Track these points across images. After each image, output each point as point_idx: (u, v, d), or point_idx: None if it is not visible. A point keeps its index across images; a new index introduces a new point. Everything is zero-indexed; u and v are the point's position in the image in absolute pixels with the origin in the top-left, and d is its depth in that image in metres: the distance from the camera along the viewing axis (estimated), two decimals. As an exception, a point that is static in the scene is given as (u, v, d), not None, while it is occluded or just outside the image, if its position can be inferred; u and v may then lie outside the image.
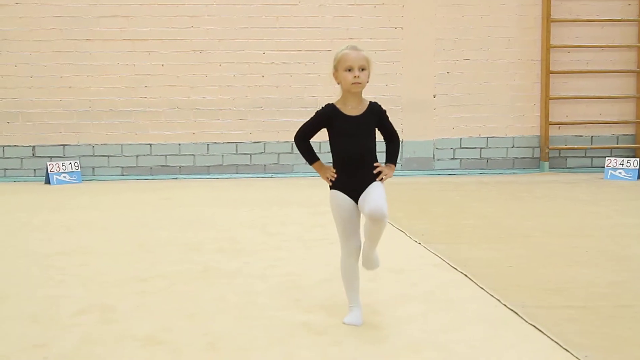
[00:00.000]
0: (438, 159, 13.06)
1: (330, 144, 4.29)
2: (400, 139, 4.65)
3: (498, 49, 12.93)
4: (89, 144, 12.53)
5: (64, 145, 12.48)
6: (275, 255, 6.26)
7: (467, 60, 12.91)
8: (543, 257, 6.13)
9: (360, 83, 4.18)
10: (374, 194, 4.09)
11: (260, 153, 12.76)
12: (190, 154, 12.68)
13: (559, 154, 13.19)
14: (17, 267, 5.94)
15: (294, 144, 4.41)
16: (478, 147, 13.07)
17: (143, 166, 12.62)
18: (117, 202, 9.76)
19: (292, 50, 12.63)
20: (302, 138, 4.36)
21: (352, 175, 4.22)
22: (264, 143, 12.76)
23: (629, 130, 13.30)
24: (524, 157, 13.16)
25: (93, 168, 12.55)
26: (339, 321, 4.35)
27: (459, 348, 3.90)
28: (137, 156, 12.60)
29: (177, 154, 12.65)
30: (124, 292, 5.11)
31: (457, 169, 13.06)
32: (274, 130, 12.71)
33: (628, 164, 11.96)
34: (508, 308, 4.60)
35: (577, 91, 13.11)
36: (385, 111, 4.34)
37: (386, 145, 4.39)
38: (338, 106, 4.26)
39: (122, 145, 12.56)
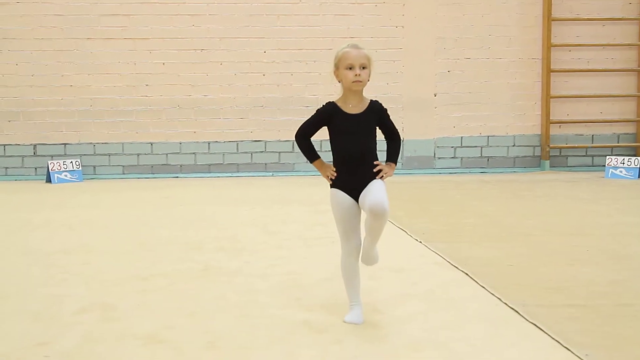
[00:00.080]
0: (439, 158, 13.06)
1: (330, 142, 4.30)
2: (401, 138, 4.63)
3: (499, 47, 12.93)
4: (90, 143, 12.53)
5: (65, 144, 12.49)
6: (276, 254, 6.27)
7: (467, 59, 12.91)
8: (544, 255, 6.13)
9: (361, 81, 4.19)
10: (375, 190, 4.10)
11: (261, 152, 12.77)
12: (191, 153, 12.69)
13: (560, 152, 13.19)
14: (18, 266, 5.94)
15: (295, 143, 4.41)
16: (479, 146, 13.07)
17: (144, 165, 12.63)
18: (118, 201, 9.77)
19: (293, 49, 12.64)
20: (303, 136, 4.37)
21: (353, 173, 4.22)
22: (265, 142, 12.77)
23: (630, 128, 13.30)
24: (524, 156, 13.16)
25: (94, 167, 12.56)
26: (340, 320, 4.35)
27: (460, 347, 3.90)
28: (138, 155, 12.60)
29: (178, 153, 12.66)
30: (125, 290, 5.12)
31: (457, 167, 13.07)
32: (274, 129, 12.72)
33: (629, 163, 11.96)
34: (509, 307, 4.61)
35: (577, 90, 13.11)
36: (386, 110, 4.34)
37: (387, 144, 4.40)
38: (339, 104, 4.27)
39: (123, 143, 12.57)
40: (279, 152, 12.77)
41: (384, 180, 4.24)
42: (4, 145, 12.42)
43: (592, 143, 13.21)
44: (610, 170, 12.09)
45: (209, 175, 12.67)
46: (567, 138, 13.21)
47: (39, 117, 12.40)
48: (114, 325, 4.32)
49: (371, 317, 4.40)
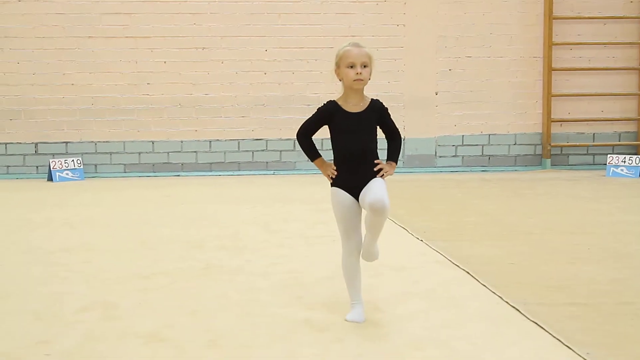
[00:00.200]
0: (440, 156, 13.06)
1: (331, 140, 4.30)
2: (402, 137, 4.64)
3: (500, 46, 12.93)
4: (92, 141, 12.54)
5: (66, 143, 12.50)
6: (278, 253, 6.27)
7: (469, 58, 12.92)
8: (545, 254, 6.13)
9: (362, 80, 4.19)
10: (375, 187, 4.10)
11: (263, 150, 12.78)
12: (192, 151, 12.70)
13: (561, 151, 13.20)
14: (19, 264, 5.95)
15: (296, 141, 4.42)
16: (480, 145, 13.07)
17: (145, 163, 12.64)
18: (119, 199, 9.78)
19: (294, 48, 12.64)
20: (304, 135, 4.37)
21: (353, 172, 4.22)
22: (266, 140, 12.77)
23: (631, 127, 13.30)
24: (525, 155, 13.17)
25: (95, 165, 12.57)
26: (341, 318, 4.36)
27: (461, 345, 3.91)
28: (139, 153, 12.61)
29: (179, 151, 12.67)
30: (127, 289, 5.12)
31: (459, 166, 13.07)
32: (276, 128, 12.72)
33: (630, 161, 11.96)
34: (510, 305, 4.61)
35: (579, 88, 13.11)
36: (386, 108, 4.35)
37: (387, 143, 4.40)
38: (340, 103, 4.27)
39: (124, 142, 12.58)
40: (280, 151, 12.78)
41: (385, 178, 4.25)
42: (6, 143, 12.43)
43: (593, 141, 13.22)
44: (612, 168, 12.08)
45: (210, 173, 12.68)
46: (568, 136, 13.21)
47: (41, 115, 12.41)
48: (115, 324, 4.33)
49: (372, 316, 4.40)
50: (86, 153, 12.51)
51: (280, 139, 12.75)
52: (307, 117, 4.38)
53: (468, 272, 5.47)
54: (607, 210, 8.51)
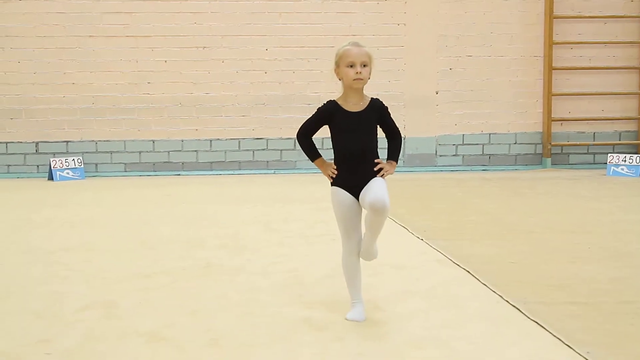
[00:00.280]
0: (440, 155, 13.06)
1: (331, 140, 4.30)
2: (403, 136, 4.64)
3: (501, 45, 12.93)
4: (92, 141, 12.55)
5: (67, 142, 12.51)
6: (278, 252, 6.27)
7: (469, 57, 12.92)
8: (545, 253, 6.13)
9: (362, 79, 4.19)
10: (375, 186, 4.10)
11: (263, 149, 12.78)
12: (193, 150, 12.70)
13: (562, 150, 13.20)
14: (20, 264, 5.95)
15: (297, 141, 4.42)
16: (480, 144, 13.08)
17: (146, 162, 12.65)
18: (120, 199, 9.78)
19: (295, 47, 12.64)
20: (305, 135, 4.38)
21: (353, 171, 4.22)
22: (267, 139, 12.78)
23: (632, 126, 13.30)
24: (526, 154, 13.17)
25: (96, 164, 12.57)
26: (341, 317, 4.36)
27: (461, 345, 3.91)
28: (140, 152, 12.62)
29: (179, 150, 12.68)
30: (127, 288, 5.12)
31: (459, 165, 13.07)
32: (276, 127, 12.73)
33: (630, 161, 11.96)
34: (510, 304, 4.61)
35: (579, 87, 13.11)
36: (386, 107, 4.34)
37: (388, 142, 4.40)
38: (339, 102, 4.27)
39: (125, 141, 12.59)
40: (281, 150, 12.78)
41: (385, 178, 4.25)
42: (6, 142, 12.44)
43: (594, 141, 13.22)
44: (612, 167, 12.08)
45: (210, 173, 12.68)
46: (569, 136, 13.21)
47: (41, 114, 12.42)
48: (116, 323, 4.33)
49: (372, 315, 4.40)
50: (87, 152, 12.52)
51: (281, 138, 12.75)
52: (308, 117, 4.38)
53: (468, 271, 5.47)
54: (607, 209, 8.51)
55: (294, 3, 12.62)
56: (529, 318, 4.32)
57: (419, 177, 12.04)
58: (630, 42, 13.06)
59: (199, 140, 12.69)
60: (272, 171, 12.77)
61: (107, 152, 12.58)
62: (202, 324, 4.29)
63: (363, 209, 4.23)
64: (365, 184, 4.18)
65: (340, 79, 4.28)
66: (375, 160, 4.24)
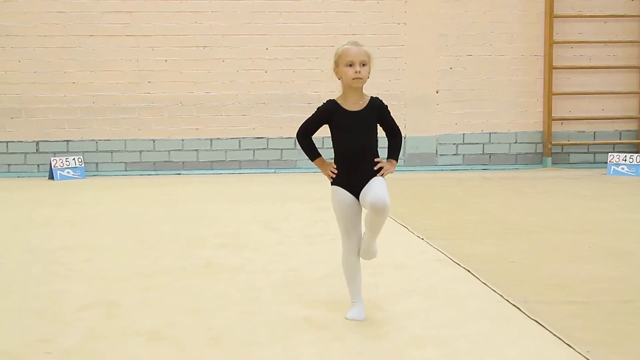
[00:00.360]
0: (441, 155, 13.06)
1: (332, 139, 4.30)
2: (403, 135, 4.64)
3: (501, 44, 12.93)
4: (93, 140, 12.55)
5: (67, 141, 12.51)
6: (278, 251, 6.28)
7: (470, 56, 12.92)
8: (545, 252, 6.13)
9: (361, 78, 4.19)
10: (376, 186, 4.10)
11: (264, 148, 12.78)
12: (193, 150, 12.70)
13: (562, 149, 13.20)
14: (20, 263, 5.95)
15: (297, 140, 4.42)
16: (481, 143, 13.08)
17: (146, 162, 12.65)
18: (120, 198, 9.79)
19: (295, 46, 12.64)
20: (304, 134, 4.38)
21: (353, 170, 4.22)
22: (267, 138, 12.78)
23: (632, 125, 13.30)
24: (526, 153, 13.17)
25: (96, 163, 12.58)
26: (342, 317, 4.36)
27: (461, 344, 3.91)
28: (140, 152, 12.62)
29: (180, 150, 12.68)
30: (128, 287, 5.13)
31: (459, 164, 13.07)
32: (277, 126, 12.73)
33: (631, 160, 11.96)
34: (510, 303, 4.61)
35: (579, 87, 13.11)
36: (386, 106, 4.34)
37: (388, 141, 4.40)
38: (339, 102, 4.27)
39: (125, 140, 12.59)
40: (281, 149, 12.79)
41: (385, 177, 4.25)
42: (7, 142, 12.45)
43: (594, 140, 13.22)
44: (612, 167, 12.08)
45: (211, 172, 12.68)
46: (569, 135, 13.22)
47: (42, 114, 12.42)
48: (116, 322, 4.33)
49: (372, 314, 4.40)
50: (87, 151, 12.52)
51: (281, 138, 12.76)
52: (308, 117, 4.38)
53: (469, 271, 5.47)
54: (607, 208, 8.51)
55: (294, 2, 12.62)
56: (529, 317, 4.33)
57: (419, 176, 12.04)
58: (631, 42, 13.06)
59: (199, 139, 12.70)
60: (273, 170, 12.77)
61: (107, 151, 12.59)
62: (203, 323, 4.29)
63: (363, 208, 4.24)
64: (365, 183, 4.18)
65: (339, 78, 4.28)
66: (375, 160, 4.24)
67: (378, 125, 4.33)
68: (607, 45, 13.06)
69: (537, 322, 4.23)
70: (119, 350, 3.88)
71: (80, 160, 12.16)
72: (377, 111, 4.28)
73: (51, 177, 11.84)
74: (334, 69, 4.28)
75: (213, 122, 12.68)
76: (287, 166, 12.81)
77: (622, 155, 12.11)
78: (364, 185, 4.18)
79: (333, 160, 4.32)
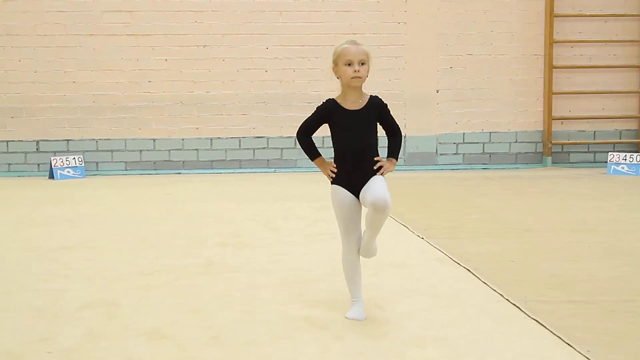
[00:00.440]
0: (441, 154, 13.06)
1: (331, 138, 4.31)
2: (403, 134, 4.64)
3: (501, 44, 12.93)
4: (93, 139, 12.55)
5: (67, 140, 12.51)
6: (278, 250, 6.28)
7: (470, 55, 12.92)
8: (545, 252, 6.14)
9: (360, 77, 4.19)
10: (376, 185, 4.11)
11: (264, 148, 12.78)
12: (193, 149, 12.70)
13: (562, 149, 13.20)
14: (21, 262, 5.96)
15: (296, 140, 4.42)
16: (481, 142, 13.08)
17: (146, 161, 12.65)
18: (120, 197, 9.79)
19: (296, 45, 12.64)
20: (304, 134, 4.38)
21: (353, 170, 4.22)
22: (267, 138, 12.78)
23: (632, 125, 13.30)
24: (526, 152, 13.17)
25: (97, 163, 12.58)
26: (342, 316, 4.36)
27: (461, 343, 3.91)
28: (140, 151, 12.62)
29: (180, 149, 12.68)
30: (128, 286, 5.13)
31: (460, 163, 13.07)
32: (277, 125, 12.73)
33: (631, 159, 11.96)
34: (510, 303, 4.61)
35: (580, 86, 13.10)
36: (386, 105, 4.34)
37: (388, 140, 4.40)
38: (338, 101, 4.28)
39: (125, 140, 12.59)
40: (281, 149, 12.79)
41: (385, 176, 4.25)
42: (7, 141, 12.44)
43: (594, 139, 13.22)
44: (612, 166, 12.08)
45: (211, 171, 12.68)
46: (569, 134, 13.22)
47: (42, 113, 12.42)
48: (117, 321, 4.34)
49: (372, 313, 4.41)
50: (87, 151, 12.52)
51: (281, 137, 12.75)
52: (307, 116, 4.38)
53: (469, 270, 5.47)
54: (607, 208, 8.52)
55: (295, 1, 12.62)
56: (529, 316, 4.33)
57: (420, 175, 12.04)
58: (631, 41, 13.05)
59: (199, 138, 12.70)
60: (273, 170, 12.77)
61: (107, 150, 12.59)
62: (203, 323, 4.29)
63: (363, 207, 4.24)
64: (365, 182, 4.19)
65: (338, 78, 4.28)
66: (375, 158, 4.24)
67: (378, 124, 4.33)
68: (607, 44, 13.06)
69: (537, 321, 4.24)
70: (119, 349, 3.88)
71: (80, 159, 12.16)
72: (377, 110, 4.29)
73: (51, 176, 11.84)
74: (333, 68, 4.28)
75: (213, 122, 12.68)
76: (287, 165, 12.81)
77: (622, 154, 12.11)
78: (364, 184, 4.18)
79: (333, 160, 4.32)
